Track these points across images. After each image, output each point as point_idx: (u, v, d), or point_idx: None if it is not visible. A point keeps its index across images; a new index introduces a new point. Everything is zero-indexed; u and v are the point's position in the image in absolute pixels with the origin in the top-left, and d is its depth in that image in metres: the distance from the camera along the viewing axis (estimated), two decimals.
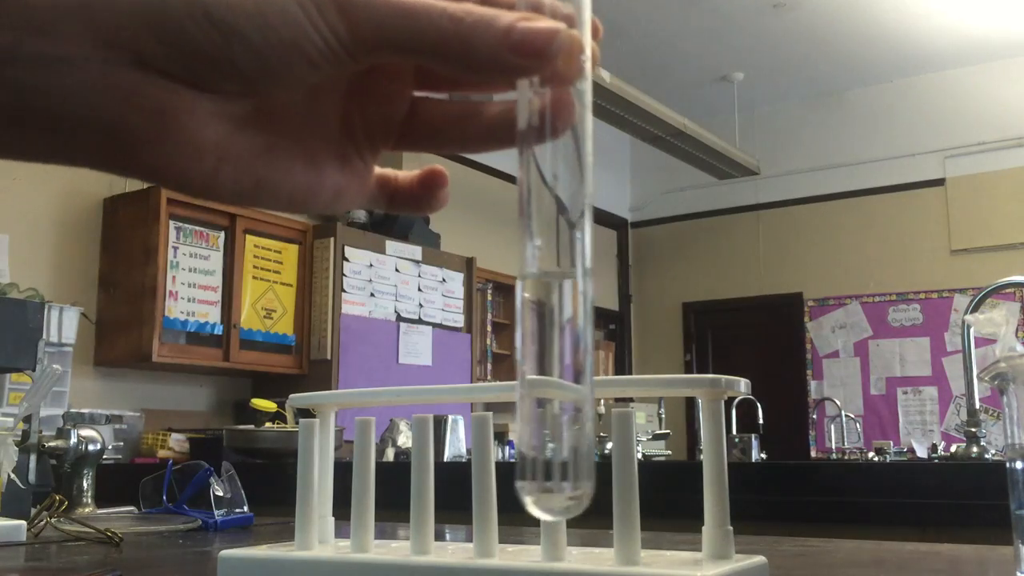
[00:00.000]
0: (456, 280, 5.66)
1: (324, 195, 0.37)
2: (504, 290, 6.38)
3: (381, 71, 0.37)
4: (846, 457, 4.79)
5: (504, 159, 5.89)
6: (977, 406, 2.51)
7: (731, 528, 0.65)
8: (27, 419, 1.59)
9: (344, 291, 4.94)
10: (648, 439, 4.40)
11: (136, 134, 0.32)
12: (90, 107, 0.31)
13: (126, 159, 0.32)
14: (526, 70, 0.33)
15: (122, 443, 3.99)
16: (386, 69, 0.37)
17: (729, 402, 3.45)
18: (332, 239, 4.95)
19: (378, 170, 0.40)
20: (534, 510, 0.32)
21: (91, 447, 1.73)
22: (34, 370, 1.74)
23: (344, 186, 0.38)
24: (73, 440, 1.70)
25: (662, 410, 4.97)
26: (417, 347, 5.31)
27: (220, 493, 1.26)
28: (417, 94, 0.38)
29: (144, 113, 0.31)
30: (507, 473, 0.36)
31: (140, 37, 0.30)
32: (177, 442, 4.12)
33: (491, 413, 0.69)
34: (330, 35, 0.31)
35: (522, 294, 0.33)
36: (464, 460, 2.88)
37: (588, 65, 0.34)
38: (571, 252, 0.33)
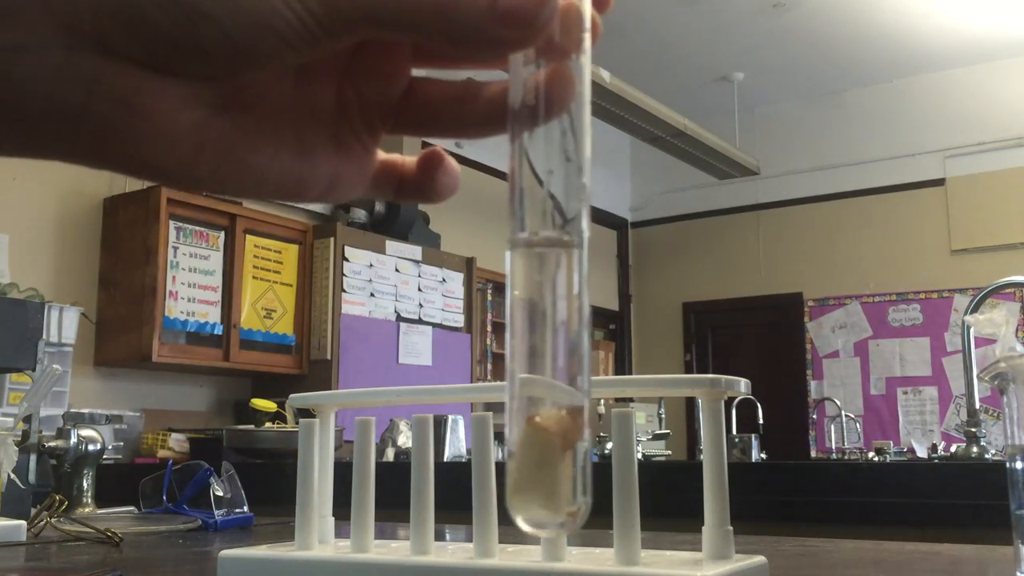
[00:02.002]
0: (456, 280, 5.66)
1: (318, 182, 0.35)
2: (504, 290, 6.37)
3: (376, 48, 0.35)
4: (846, 457, 4.79)
5: (505, 158, 5.88)
6: (977, 406, 2.51)
7: (731, 528, 0.65)
8: (27, 419, 1.59)
9: (344, 291, 4.94)
10: (648, 439, 4.40)
11: (103, 123, 0.30)
12: (52, 96, 0.29)
13: (96, 150, 0.31)
14: (515, 42, 0.30)
15: (122, 443, 3.99)
16: (381, 46, 0.35)
17: (729, 402, 3.45)
18: (332, 239, 4.95)
19: (384, 156, 0.38)
20: (526, 527, 0.30)
21: (91, 447, 1.73)
22: (34, 370, 1.74)
23: (340, 172, 0.36)
24: (73, 440, 1.70)
25: (662, 410, 4.97)
26: (417, 347, 5.31)
27: (220, 493, 1.26)
28: (416, 74, 0.36)
29: (109, 101, 0.30)
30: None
31: (101, 21, 0.29)
32: (177, 442, 4.12)
33: (491, 413, 0.69)
34: (304, 12, 0.29)
35: (512, 266, 0.30)
36: (464, 460, 2.88)
37: (587, 37, 0.31)
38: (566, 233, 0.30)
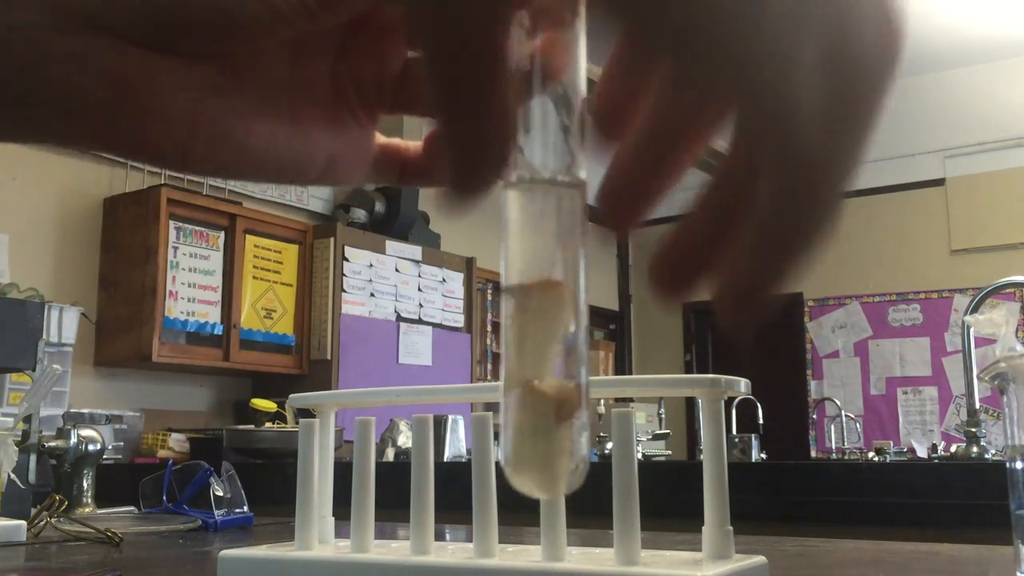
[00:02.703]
0: (456, 280, 5.66)
1: (316, 163, 0.35)
2: None
3: (372, 27, 0.35)
4: (846, 457, 4.79)
5: None
6: (977, 406, 2.51)
7: (731, 528, 0.65)
8: (27, 419, 1.58)
9: (344, 291, 4.94)
10: (648, 439, 4.39)
11: (96, 104, 0.29)
12: (43, 77, 0.29)
13: (90, 132, 0.30)
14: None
15: (122, 443, 3.99)
16: (377, 24, 0.35)
17: (729, 402, 3.45)
18: (332, 239, 4.95)
19: (386, 140, 0.37)
20: (523, 487, 0.29)
21: (91, 447, 1.73)
22: (34, 370, 1.74)
23: (338, 153, 0.35)
24: (73, 440, 1.70)
25: (662, 410, 4.97)
26: (417, 347, 5.31)
27: (220, 493, 1.26)
28: (412, 54, 0.36)
29: (102, 81, 0.29)
30: None
31: None
32: (177, 442, 4.12)
33: (491, 413, 0.69)
34: None
35: (507, 210, 0.30)
36: (464, 460, 2.88)
37: (582, 5, 0.31)
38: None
